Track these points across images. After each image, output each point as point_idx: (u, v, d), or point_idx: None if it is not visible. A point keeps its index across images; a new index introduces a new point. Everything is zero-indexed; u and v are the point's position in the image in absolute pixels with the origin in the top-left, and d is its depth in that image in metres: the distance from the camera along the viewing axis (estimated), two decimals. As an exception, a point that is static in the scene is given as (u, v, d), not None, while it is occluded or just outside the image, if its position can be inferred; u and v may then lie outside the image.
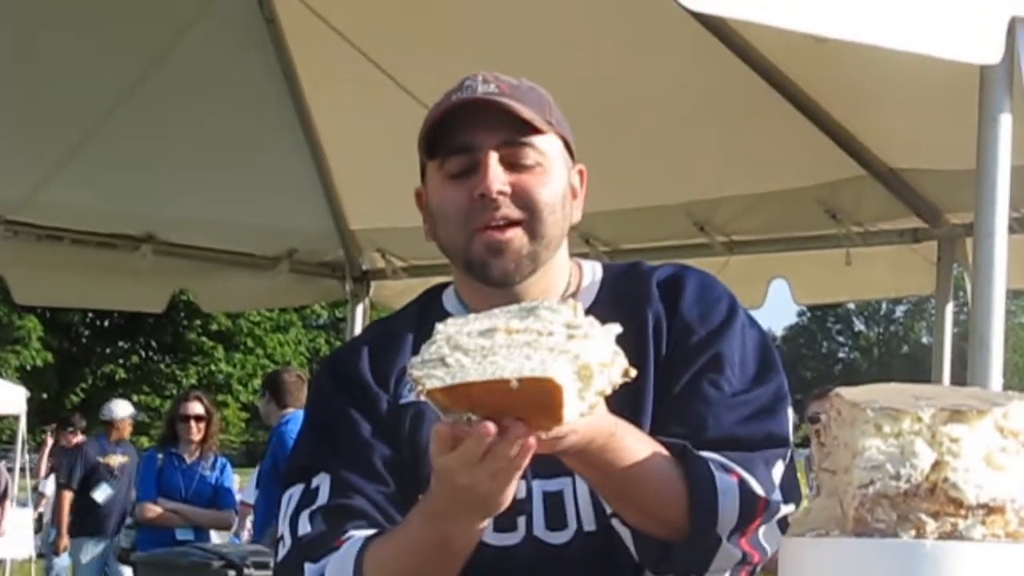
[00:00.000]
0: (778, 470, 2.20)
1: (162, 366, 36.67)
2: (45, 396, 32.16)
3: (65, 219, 7.00)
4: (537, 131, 2.25)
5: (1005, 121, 3.38)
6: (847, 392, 1.80)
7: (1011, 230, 3.45)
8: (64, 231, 7.07)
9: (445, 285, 2.44)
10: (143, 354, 37.65)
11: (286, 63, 6.65)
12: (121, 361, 36.98)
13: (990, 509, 1.70)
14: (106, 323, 37.11)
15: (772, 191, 6.06)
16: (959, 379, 5.20)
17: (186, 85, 6.50)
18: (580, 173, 2.37)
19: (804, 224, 6.13)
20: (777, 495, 2.17)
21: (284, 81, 6.72)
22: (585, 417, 1.88)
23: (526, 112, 2.23)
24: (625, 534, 2.16)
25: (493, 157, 2.24)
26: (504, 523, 2.19)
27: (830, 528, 1.77)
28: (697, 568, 2.14)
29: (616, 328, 1.92)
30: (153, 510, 9.05)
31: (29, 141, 6.49)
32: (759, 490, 2.14)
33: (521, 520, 2.23)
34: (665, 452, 2.12)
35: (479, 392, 1.82)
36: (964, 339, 3.71)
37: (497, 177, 2.23)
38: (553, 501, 2.24)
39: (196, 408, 9.34)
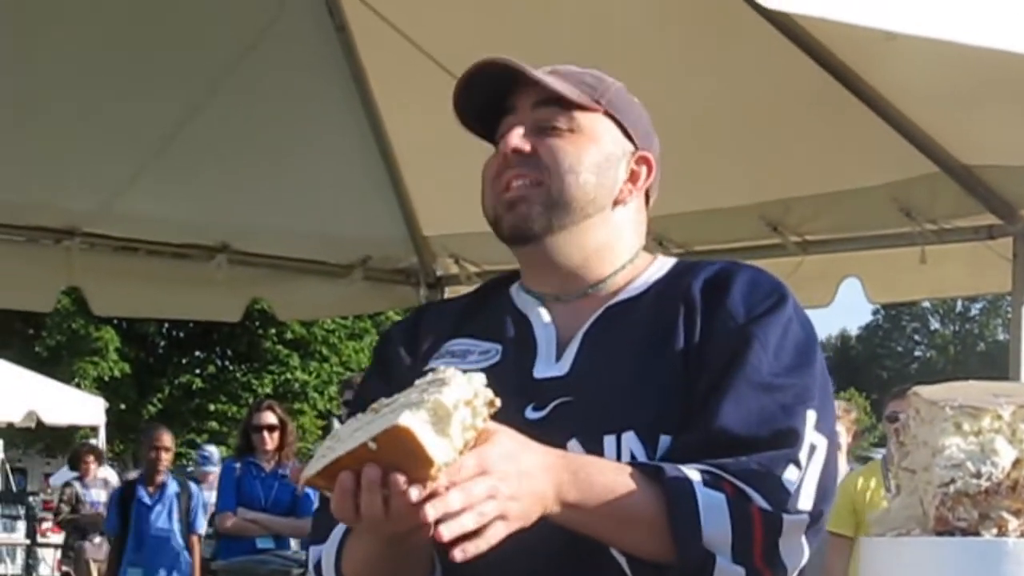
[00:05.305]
0: (791, 473, 2.06)
1: (238, 375, 36.77)
2: (123, 407, 32.34)
3: (140, 230, 7.05)
4: (579, 106, 2.26)
5: (1080, 115, 3.36)
6: (926, 391, 1.79)
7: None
8: (139, 242, 7.12)
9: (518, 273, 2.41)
10: (219, 363, 37.80)
11: (357, 70, 6.68)
12: (197, 371, 37.13)
13: (1072, 506, 1.69)
14: (182, 334, 37.27)
15: (845, 190, 6.02)
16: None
17: (258, 94, 6.54)
18: (644, 161, 2.33)
19: (877, 222, 6.08)
20: (792, 504, 2.05)
21: (355, 88, 6.75)
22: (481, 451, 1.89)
23: (556, 84, 2.24)
24: (621, 560, 2.09)
25: (522, 119, 2.26)
26: None
27: (911, 527, 1.75)
28: None
29: (480, 377, 1.90)
30: (232, 519, 9.07)
31: (104, 153, 6.54)
32: (760, 502, 2.04)
33: None
34: (638, 475, 2.05)
35: (349, 464, 1.85)
36: (1043, 335, 3.68)
37: (516, 135, 2.24)
38: None
39: (269, 418, 9.30)
